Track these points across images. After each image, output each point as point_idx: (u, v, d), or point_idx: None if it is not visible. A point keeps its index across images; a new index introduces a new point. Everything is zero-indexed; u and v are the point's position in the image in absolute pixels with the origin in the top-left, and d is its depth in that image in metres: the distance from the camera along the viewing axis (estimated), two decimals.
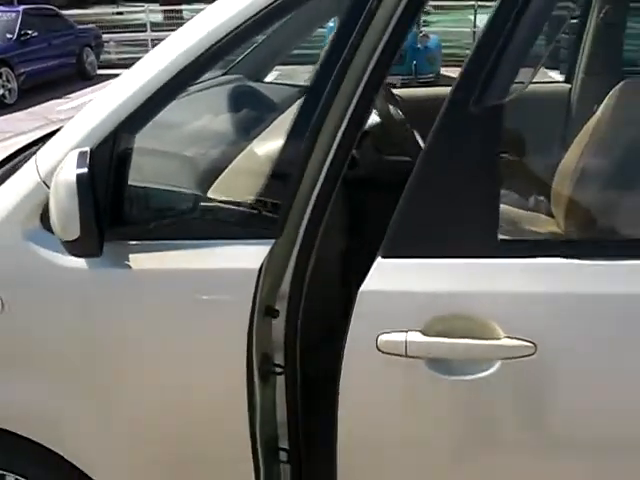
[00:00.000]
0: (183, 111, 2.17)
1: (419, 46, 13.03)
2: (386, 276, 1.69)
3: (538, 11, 1.66)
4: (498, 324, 1.64)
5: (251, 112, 2.58)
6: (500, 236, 1.69)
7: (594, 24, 3.55)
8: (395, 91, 3.56)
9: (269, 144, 1.97)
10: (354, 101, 1.74)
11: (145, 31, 18.06)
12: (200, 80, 2.05)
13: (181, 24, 2.01)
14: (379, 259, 1.69)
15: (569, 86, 3.69)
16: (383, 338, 1.66)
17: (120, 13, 22.51)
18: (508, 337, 1.63)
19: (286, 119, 2.00)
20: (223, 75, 2.90)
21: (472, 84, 1.63)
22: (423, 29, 14.54)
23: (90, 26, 17.13)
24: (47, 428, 1.96)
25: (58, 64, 14.89)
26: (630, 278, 1.66)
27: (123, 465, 1.98)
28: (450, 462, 1.82)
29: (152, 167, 1.92)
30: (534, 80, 1.80)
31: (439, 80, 12.43)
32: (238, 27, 1.76)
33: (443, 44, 16.39)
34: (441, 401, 1.74)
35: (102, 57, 16.90)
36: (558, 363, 1.67)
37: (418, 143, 3.24)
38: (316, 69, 1.81)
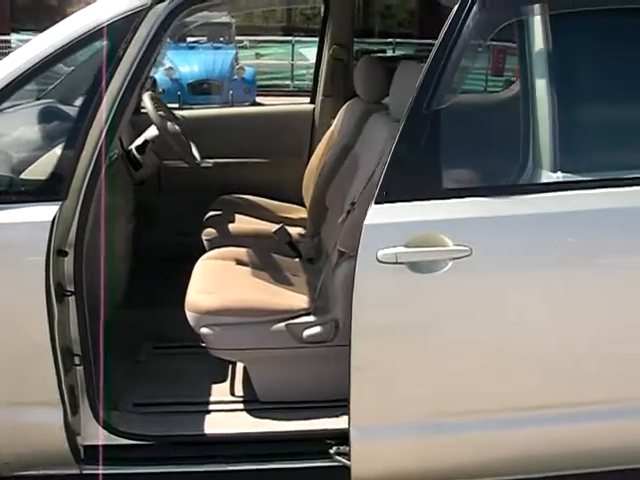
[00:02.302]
0: (7, 123, 2.92)
1: (236, 77, 14.04)
2: (379, 215, 2.48)
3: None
4: (449, 238, 2.47)
5: (57, 125, 3.40)
6: (444, 186, 2.55)
7: (327, 58, 4.71)
8: (177, 112, 4.52)
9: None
10: (110, 116, 2.61)
11: None
12: (20, 102, 2.88)
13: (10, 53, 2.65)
14: (373, 205, 2.48)
15: (313, 106, 4.85)
16: (380, 252, 2.44)
17: None
18: (455, 244, 2.46)
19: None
20: (39, 99, 3.49)
21: (424, 97, 2.46)
22: (241, 62, 15.56)
23: None
24: None
25: None
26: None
27: None
28: (427, 338, 2.58)
29: None
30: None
31: None
32: (37, 63, 2.62)
33: (266, 75, 17.37)
34: (418, 291, 2.53)
35: None
36: (484, 260, 2.51)
37: (192, 151, 4.16)
38: (87, 94, 2.70)
